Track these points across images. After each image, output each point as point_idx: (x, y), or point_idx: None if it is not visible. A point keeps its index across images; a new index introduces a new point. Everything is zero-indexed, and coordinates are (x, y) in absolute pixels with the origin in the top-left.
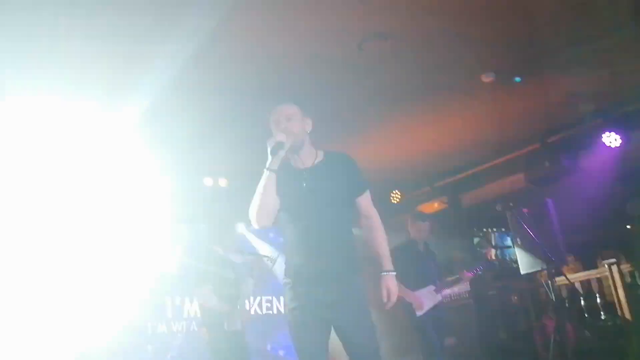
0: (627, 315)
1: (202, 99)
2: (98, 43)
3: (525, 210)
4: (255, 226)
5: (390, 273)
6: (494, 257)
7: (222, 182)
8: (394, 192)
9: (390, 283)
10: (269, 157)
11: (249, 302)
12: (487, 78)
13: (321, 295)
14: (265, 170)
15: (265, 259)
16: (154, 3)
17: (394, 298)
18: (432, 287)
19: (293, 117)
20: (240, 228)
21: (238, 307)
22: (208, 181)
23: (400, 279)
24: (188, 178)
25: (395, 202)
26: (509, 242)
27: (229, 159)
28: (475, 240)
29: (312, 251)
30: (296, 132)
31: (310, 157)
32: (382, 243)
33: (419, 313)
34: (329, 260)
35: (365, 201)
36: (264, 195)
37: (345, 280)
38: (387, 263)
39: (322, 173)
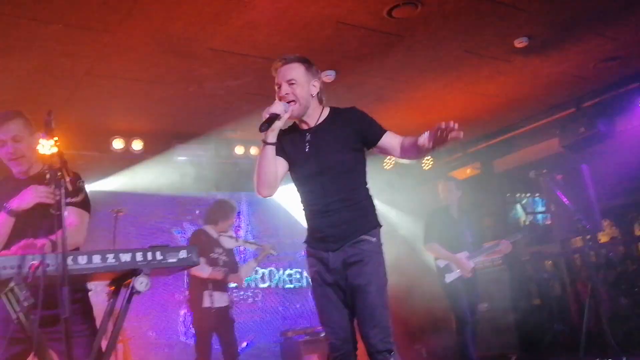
0: None
1: (233, 67)
2: None
3: (559, 176)
4: (259, 195)
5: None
6: (527, 223)
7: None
8: (425, 158)
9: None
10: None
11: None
12: (520, 43)
13: (332, 258)
14: (261, 142)
15: (269, 250)
16: None
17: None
18: (466, 253)
19: (297, 80)
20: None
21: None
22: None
23: (437, 242)
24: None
25: (427, 168)
26: (542, 208)
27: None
28: (509, 206)
29: (321, 213)
30: (299, 96)
31: (314, 117)
32: (413, 138)
33: (447, 279)
34: (339, 224)
35: (391, 137)
36: (261, 166)
37: (359, 237)
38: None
39: (325, 129)
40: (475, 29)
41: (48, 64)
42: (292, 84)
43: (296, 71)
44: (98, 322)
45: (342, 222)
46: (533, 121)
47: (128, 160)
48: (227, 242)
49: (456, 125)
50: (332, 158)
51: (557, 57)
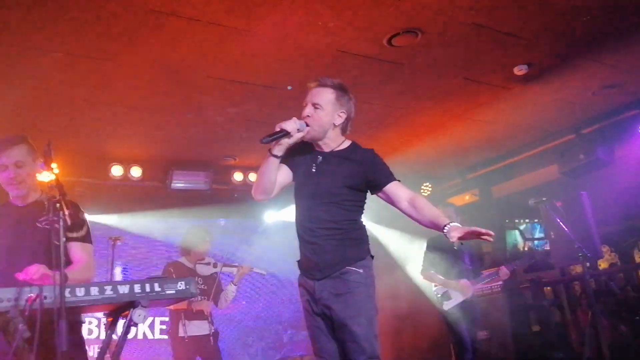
0: None
1: (233, 95)
2: None
3: (558, 203)
4: (255, 197)
5: (451, 224)
6: (525, 249)
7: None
8: (424, 184)
9: (461, 228)
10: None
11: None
12: (519, 70)
13: (317, 287)
14: (268, 152)
15: (256, 270)
16: None
17: (476, 229)
18: (465, 281)
19: (323, 106)
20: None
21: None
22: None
23: (435, 271)
24: None
25: (425, 194)
26: (540, 234)
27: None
28: (507, 232)
29: (308, 240)
30: (320, 122)
31: (333, 144)
32: (429, 209)
33: (446, 307)
34: (327, 255)
35: (399, 187)
36: (263, 174)
37: (347, 268)
38: (444, 218)
39: (337, 159)
40: (475, 56)
41: (48, 91)
42: (317, 108)
43: (325, 97)
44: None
45: (327, 251)
46: (532, 148)
47: (127, 187)
48: (204, 270)
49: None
50: (329, 187)
51: (556, 84)
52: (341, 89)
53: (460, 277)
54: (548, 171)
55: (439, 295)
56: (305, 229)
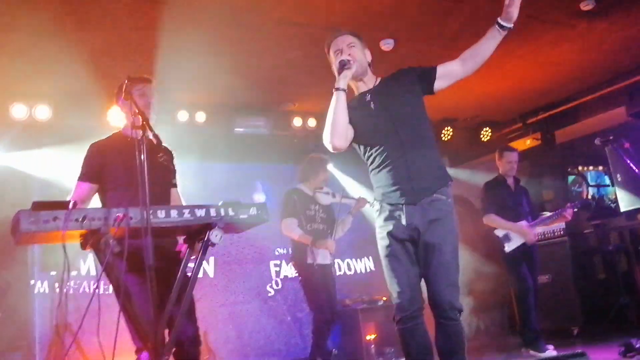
0: None
1: (293, 38)
2: None
3: (627, 144)
4: (330, 148)
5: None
6: (590, 197)
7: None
8: (484, 129)
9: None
10: (337, 77)
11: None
12: (586, 6)
13: (409, 212)
14: (333, 90)
15: (365, 203)
16: None
17: None
18: (524, 223)
19: (354, 45)
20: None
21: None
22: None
23: (495, 213)
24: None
25: (485, 139)
26: (606, 180)
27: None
28: (571, 178)
29: (398, 166)
30: (359, 59)
31: (371, 83)
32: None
33: (507, 249)
34: (417, 174)
35: (446, 65)
36: (335, 114)
37: (436, 195)
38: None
39: (384, 87)
40: None
41: (119, 37)
42: (352, 46)
43: (351, 39)
44: None
45: (421, 175)
46: (598, 89)
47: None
48: (323, 199)
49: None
50: (403, 108)
51: (624, 20)
52: (357, 34)
53: (519, 219)
54: (615, 113)
55: (500, 237)
56: (396, 158)
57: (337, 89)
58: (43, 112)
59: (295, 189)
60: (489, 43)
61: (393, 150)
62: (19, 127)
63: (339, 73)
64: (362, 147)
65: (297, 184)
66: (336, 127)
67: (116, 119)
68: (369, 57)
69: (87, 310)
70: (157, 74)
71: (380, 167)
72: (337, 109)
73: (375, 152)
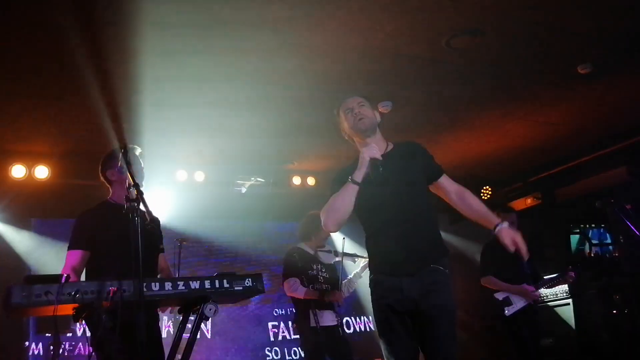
0: None
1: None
2: None
3: (628, 206)
4: (326, 229)
5: (503, 224)
6: (592, 255)
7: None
8: (484, 188)
9: (512, 232)
10: (358, 168)
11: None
12: (583, 69)
13: (407, 285)
14: (349, 180)
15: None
16: None
17: (522, 244)
18: (527, 286)
19: (364, 105)
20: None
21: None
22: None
23: (494, 275)
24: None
25: (485, 198)
26: (608, 239)
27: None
28: (574, 238)
29: (397, 237)
30: (370, 116)
31: (381, 147)
32: (478, 204)
33: (507, 312)
34: (415, 245)
35: (447, 179)
36: (342, 204)
37: (433, 266)
38: (495, 217)
39: (396, 158)
40: (536, 56)
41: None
42: (362, 105)
43: (361, 99)
44: None
45: (419, 246)
46: (598, 149)
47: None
48: (326, 257)
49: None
50: (408, 183)
51: (622, 82)
52: (366, 96)
53: (520, 282)
54: (616, 173)
55: (500, 300)
56: (395, 229)
57: (354, 181)
58: (41, 172)
59: (296, 247)
60: (477, 218)
61: (394, 221)
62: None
63: (362, 161)
64: (361, 210)
65: (298, 242)
66: (337, 215)
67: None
68: (378, 118)
69: None
70: (155, 133)
71: (379, 236)
72: (345, 200)
73: (377, 218)
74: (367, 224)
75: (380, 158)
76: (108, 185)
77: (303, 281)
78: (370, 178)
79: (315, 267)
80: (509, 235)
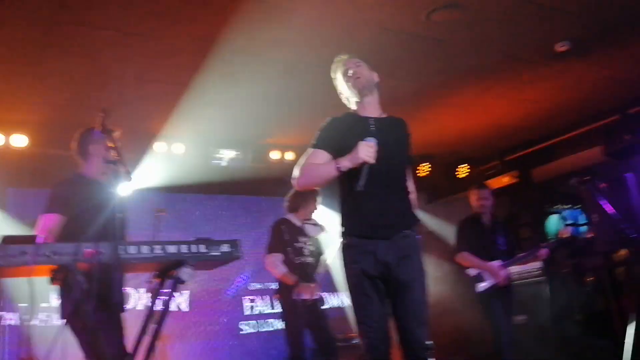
0: None
1: (273, 73)
2: None
3: (602, 185)
4: (296, 187)
5: None
6: (567, 235)
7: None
8: (461, 166)
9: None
10: (348, 159)
11: None
12: (561, 47)
13: (382, 249)
14: (335, 164)
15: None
16: None
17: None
18: (499, 262)
19: (361, 65)
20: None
21: (312, 279)
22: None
23: (468, 252)
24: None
25: (462, 176)
26: (583, 219)
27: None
28: (552, 219)
29: (375, 200)
30: (366, 75)
31: (375, 110)
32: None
33: (480, 288)
34: (393, 211)
35: (410, 173)
36: (318, 179)
37: (408, 232)
38: None
39: (389, 125)
40: (516, 32)
41: (99, 68)
42: (359, 65)
43: (358, 60)
44: None
45: (396, 211)
46: (575, 128)
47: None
48: (312, 230)
49: None
50: (395, 151)
51: (600, 61)
52: (363, 59)
53: (494, 259)
54: (592, 153)
55: (473, 276)
56: (375, 192)
57: (339, 169)
58: (20, 140)
59: (284, 219)
60: None
61: (376, 184)
62: None
63: (356, 159)
64: (345, 172)
65: (286, 214)
66: (309, 183)
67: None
68: (376, 78)
69: (54, 344)
70: (134, 104)
71: (359, 198)
72: (323, 177)
73: (357, 178)
74: (347, 183)
75: (374, 162)
76: (81, 159)
77: (289, 254)
78: (362, 135)
79: (301, 239)
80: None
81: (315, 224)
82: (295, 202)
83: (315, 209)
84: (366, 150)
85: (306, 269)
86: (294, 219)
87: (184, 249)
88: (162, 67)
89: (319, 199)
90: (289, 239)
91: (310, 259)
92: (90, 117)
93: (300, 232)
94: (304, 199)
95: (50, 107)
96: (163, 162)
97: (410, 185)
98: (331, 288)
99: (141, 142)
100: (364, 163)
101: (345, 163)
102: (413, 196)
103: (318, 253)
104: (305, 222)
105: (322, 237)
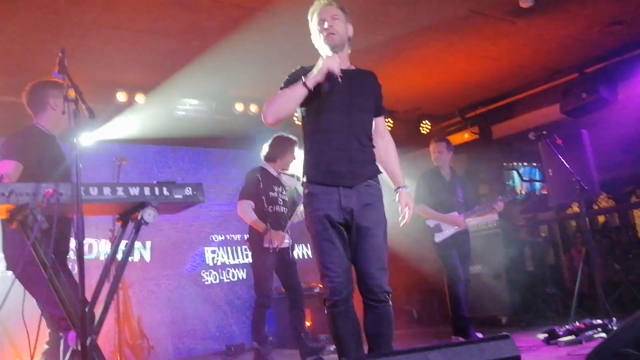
0: None
1: (238, 21)
2: None
3: (559, 140)
4: (263, 119)
5: (406, 189)
6: (523, 191)
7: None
8: (423, 122)
9: (409, 199)
10: (314, 71)
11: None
12: (525, 3)
13: (345, 196)
14: (302, 81)
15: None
16: None
17: (409, 214)
18: (455, 214)
19: (338, 17)
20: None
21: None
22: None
23: (427, 204)
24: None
25: (424, 132)
26: (538, 176)
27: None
28: (505, 172)
29: (339, 148)
30: (341, 32)
31: (345, 62)
32: (397, 161)
33: (437, 239)
34: (357, 159)
35: (383, 122)
36: (287, 103)
37: (370, 181)
38: (403, 180)
39: (357, 75)
40: None
41: (56, 12)
42: (336, 18)
43: (337, 11)
44: None
45: (359, 160)
46: (534, 86)
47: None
48: (288, 181)
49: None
50: (364, 99)
51: (562, 19)
52: (342, 8)
53: (453, 211)
54: (550, 110)
55: (431, 227)
56: (340, 139)
57: (305, 85)
58: None
59: (260, 167)
60: (389, 172)
61: (340, 132)
62: None
63: (321, 71)
64: (309, 115)
65: (263, 163)
66: (279, 111)
67: None
68: (350, 32)
69: (9, 291)
70: (93, 51)
71: (323, 145)
72: (291, 100)
73: (322, 125)
74: (311, 130)
75: (340, 74)
76: (36, 110)
77: (263, 202)
78: (324, 88)
79: (276, 189)
80: (404, 200)
81: (292, 175)
82: (273, 152)
83: (294, 159)
84: (331, 61)
85: (279, 218)
86: (271, 169)
87: (147, 191)
88: (121, 13)
89: (297, 149)
90: (263, 188)
91: (283, 209)
92: (47, 61)
93: (276, 181)
94: (282, 149)
95: (4, 53)
96: (125, 114)
97: (386, 135)
98: (302, 239)
99: (102, 93)
100: (331, 75)
101: (310, 78)
102: (391, 145)
103: (292, 203)
104: (282, 172)
105: (299, 188)
